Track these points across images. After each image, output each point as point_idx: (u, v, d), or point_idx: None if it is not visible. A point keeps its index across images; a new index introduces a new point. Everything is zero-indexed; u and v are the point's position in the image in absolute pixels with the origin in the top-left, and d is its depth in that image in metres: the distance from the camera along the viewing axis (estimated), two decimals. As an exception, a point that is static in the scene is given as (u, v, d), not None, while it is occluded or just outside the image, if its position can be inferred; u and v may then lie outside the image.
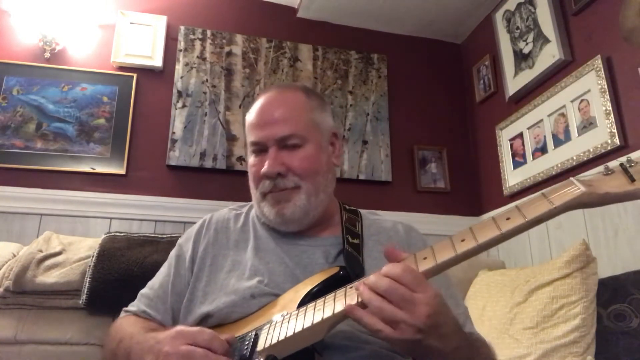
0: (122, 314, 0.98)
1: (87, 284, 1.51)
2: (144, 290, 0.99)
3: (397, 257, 0.69)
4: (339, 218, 1.00)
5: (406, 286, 0.62)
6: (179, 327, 0.72)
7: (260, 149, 0.96)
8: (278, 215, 0.93)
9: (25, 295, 1.51)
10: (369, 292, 0.64)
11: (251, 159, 0.98)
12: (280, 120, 0.94)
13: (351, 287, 0.69)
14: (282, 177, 0.92)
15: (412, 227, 1.04)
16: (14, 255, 1.64)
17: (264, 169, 0.92)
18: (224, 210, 1.07)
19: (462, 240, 0.64)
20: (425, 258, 0.66)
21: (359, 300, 0.65)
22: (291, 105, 0.97)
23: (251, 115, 0.99)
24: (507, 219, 0.62)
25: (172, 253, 1.02)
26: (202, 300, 0.90)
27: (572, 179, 0.61)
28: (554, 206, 0.60)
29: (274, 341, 0.70)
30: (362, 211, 1.05)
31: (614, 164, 0.62)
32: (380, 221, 1.04)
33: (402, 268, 0.64)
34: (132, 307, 0.97)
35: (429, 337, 0.62)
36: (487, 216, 2.39)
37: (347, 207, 1.04)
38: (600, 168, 0.62)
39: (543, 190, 0.63)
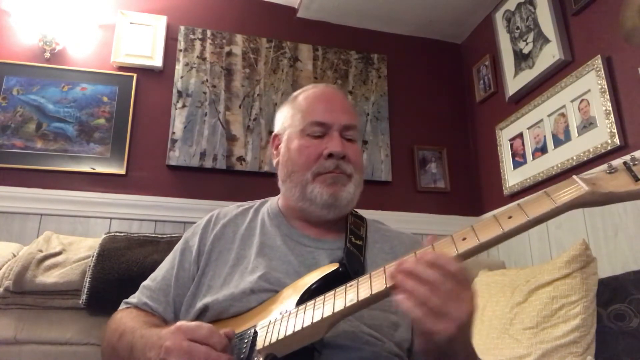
0: (122, 305, 0.98)
1: (87, 284, 1.51)
2: (146, 282, 0.99)
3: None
4: (346, 221, 1.00)
5: (456, 279, 0.58)
6: (179, 323, 0.72)
7: (322, 131, 0.96)
8: (332, 196, 0.93)
9: (25, 295, 1.51)
10: (408, 279, 0.59)
11: (304, 141, 0.96)
12: (347, 110, 1.00)
13: (351, 285, 0.69)
14: (344, 160, 0.94)
15: (417, 240, 1.05)
16: (14, 255, 1.64)
17: (334, 147, 0.93)
18: (231, 206, 1.07)
19: (464, 239, 0.63)
20: None
21: (388, 285, 0.62)
22: (351, 104, 1.07)
23: (311, 98, 1.01)
24: (509, 217, 0.61)
25: (177, 246, 1.01)
26: (205, 293, 0.90)
27: (574, 177, 0.60)
28: (556, 205, 0.59)
29: (274, 340, 0.69)
30: (368, 219, 1.05)
31: (617, 162, 0.60)
32: (385, 230, 1.04)
33: (448, 260, 0.60)
34: (133, 298, 0.97)
35: (459, 338, 0.59)
36: (487, 216, 2.39)
37: (354, 212, 1.05)
38: (603, 166, 0.60)
39: (546, 189, 0.62)
